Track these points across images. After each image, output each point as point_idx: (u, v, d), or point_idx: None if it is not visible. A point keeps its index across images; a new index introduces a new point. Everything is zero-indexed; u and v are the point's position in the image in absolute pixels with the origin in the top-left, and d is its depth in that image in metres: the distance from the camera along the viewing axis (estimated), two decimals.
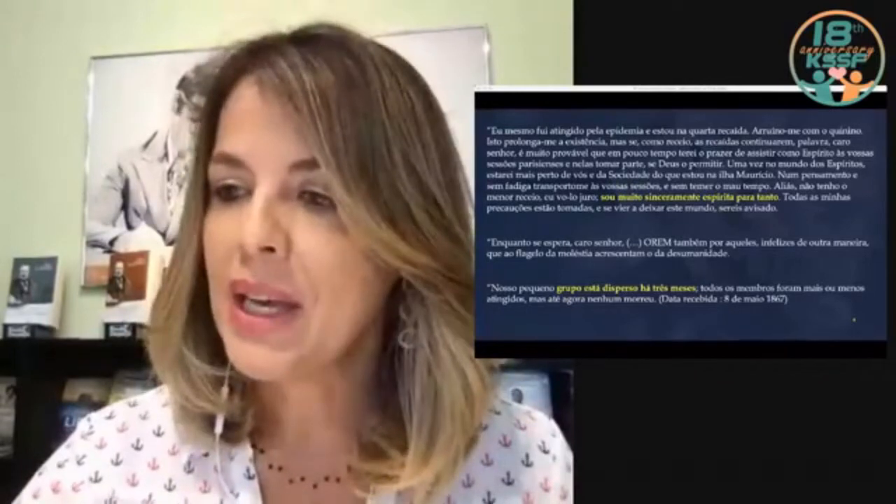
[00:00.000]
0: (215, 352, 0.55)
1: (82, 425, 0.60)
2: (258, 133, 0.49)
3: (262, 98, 0.49)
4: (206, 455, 0.56)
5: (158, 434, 0.58)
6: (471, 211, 0.54)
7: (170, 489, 0.56)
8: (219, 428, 0.54)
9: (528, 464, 0.59)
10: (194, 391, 0.54)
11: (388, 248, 0.48)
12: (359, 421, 0.56)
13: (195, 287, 0.54)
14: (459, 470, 0.54)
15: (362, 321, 0.52)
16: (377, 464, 0.53)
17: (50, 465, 0.59)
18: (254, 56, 0.51)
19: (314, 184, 0.49)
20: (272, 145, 0.49)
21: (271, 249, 0.48)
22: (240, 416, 0.55)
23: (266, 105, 0.49)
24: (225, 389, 0.54)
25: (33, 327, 1.95)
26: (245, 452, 0.56)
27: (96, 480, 0.56)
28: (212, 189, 0.52)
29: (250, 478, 0.55)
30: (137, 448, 0.58)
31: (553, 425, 0.63)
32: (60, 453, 0.59)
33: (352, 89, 0.49)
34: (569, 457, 0.60)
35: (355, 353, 0.54)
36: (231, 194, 0.51)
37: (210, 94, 0.53)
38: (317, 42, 0.51)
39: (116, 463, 0.57)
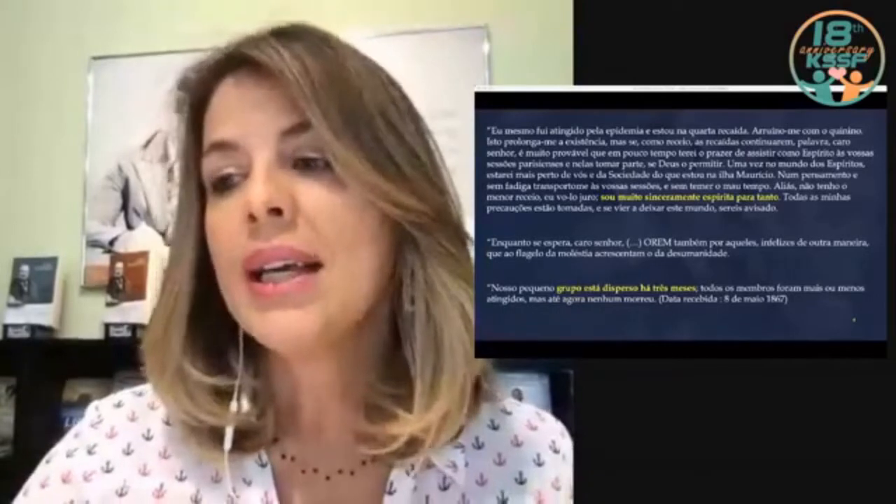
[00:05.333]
0: (217, 364, 0.55)
1: (90, 413, 0.60)
2: (245, 114, 0.52)
3: (244, 84, 0.53)
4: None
5: (168, 424, 0.58)
6: (441, 164, 0.57)
7: (181, 479, 0.56)
8: (227, 444, 0.53)
9: (539, 463, 0.60)
10: (195, 405, 0.53)
11: (381, 193, 0.51)
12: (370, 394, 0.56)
13: (194, 291, 0.55)
14: (464, 413, 0.53)
15: (379, 278, 0.54)
16: (385, 425, 0.52)
17: (58, 454, 0.58)
18: (232, 56, 0.53)
19: (306, 148, 0.51)
20: (260, 120, 0.51)
21: (278, 211, 0.50)
22: (256, 422, 0.55)
23: (248, 89, 0.52)
24: (234, 403, 0.54)
25: (33, 327, 1.95)
26: None
27: (108, 470, 0.56)
28: (207, 186, 0.54)
29: (262, 465, 0.55)
30: (148, 438, 0.58)
31: (562, 426, 0.64)
32: (69, 442, 0.59)
33: (327, 61, 0.52)
34: None
35: (370, 318, 0.55)
36: (227, 184, 0.52)
37: (193, 97, 0.55)
38: (290, 32, 0.53)
39: (128, 452, 0.57)
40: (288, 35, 0.53)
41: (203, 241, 0.54)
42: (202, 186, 0.54)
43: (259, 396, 0.56)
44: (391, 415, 0.53)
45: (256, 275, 0.50)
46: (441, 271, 0.53)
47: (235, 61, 0.53)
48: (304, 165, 0.51)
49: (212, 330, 0.55)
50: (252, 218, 0.49)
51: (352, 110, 0.51)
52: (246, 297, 0.51)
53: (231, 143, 0.52)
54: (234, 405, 0.54)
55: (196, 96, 0.55)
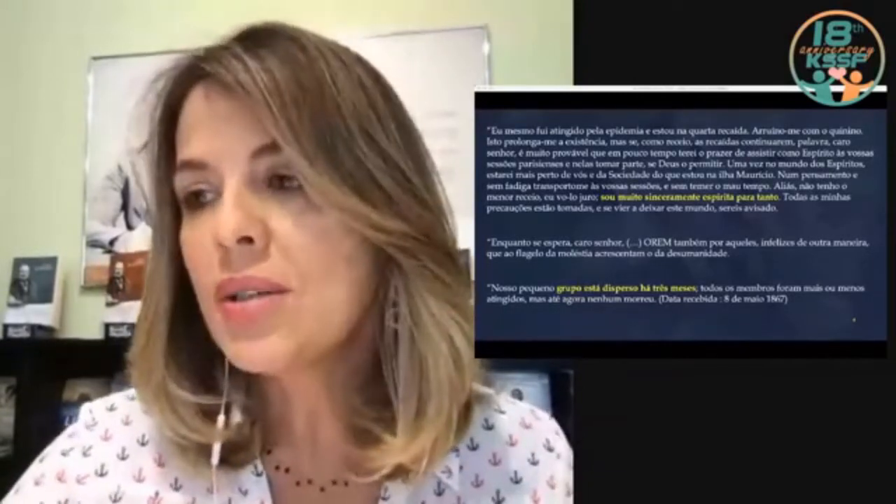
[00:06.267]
0: (202, 381, 0.54)
1: (84, 415, 0.59)
2: (215, 130, 0.49)
3: (213, 97, 0.50)
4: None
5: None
6: (435, 178, 0.54)
7: (176, 489, 0.55)
8: (215, 459, 0.53)
9: (534, 462, 0.59)
10: (181, 423, 0.52)
11: (359, 216, 0.48)
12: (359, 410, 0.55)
13: (173, 306, 0.53)
14: (454, 437, 0.52)
15: (357, 304, 0.51)
16: (371, 451, 0.51)
17: (53, 453, 0.58)
18: (200, 63, 0.51)
19: (279, 167, 0.49)
20: (230, 138, 0.49)
21: (249, 240, 0.48)
22: (245, 436, 0.54)
23: (217, 102, 0.49)
24: (221, 418, 0.53)
25: (33, 327, 1.95)
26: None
27: (102, 474, 0.56)
28: (181, 201, 0.52)
29: (258, 475, 0.55)
30: (143, 443, 0.57)
31: (556, 424, 0.64)
32: (63, 442, 0.58)
33: (298, 70, 0.49)
34: (570, 455, 0.60)
35: (355, 338, 0.53)
36: (200, 201, 0.50)
37: (163, 109, 0.53)
38: (259, 35, 0.51)
39: (122, 457, 0.56)
40: (256, 40, 0.50)
41: (180, 253, 0.52)
42: (177, 198, 0.52)
43: (249, 411, 0.55)
44: (376, 439, 0.51)
45: (230, 297, 0.49)
46: (427, 297, 0.51)
47: (203, 69, 0.50)
48: (278, 184, 0.49)
49: (196, 341, 0.53)
50: (222, 245, 0.48)
51: (327, 127, 0.48)
52: (219, 320, 0.50)
53: (201, 163, 0.49)
54: (220, 420, 0.53)
55: (166, 107, 0.53)
